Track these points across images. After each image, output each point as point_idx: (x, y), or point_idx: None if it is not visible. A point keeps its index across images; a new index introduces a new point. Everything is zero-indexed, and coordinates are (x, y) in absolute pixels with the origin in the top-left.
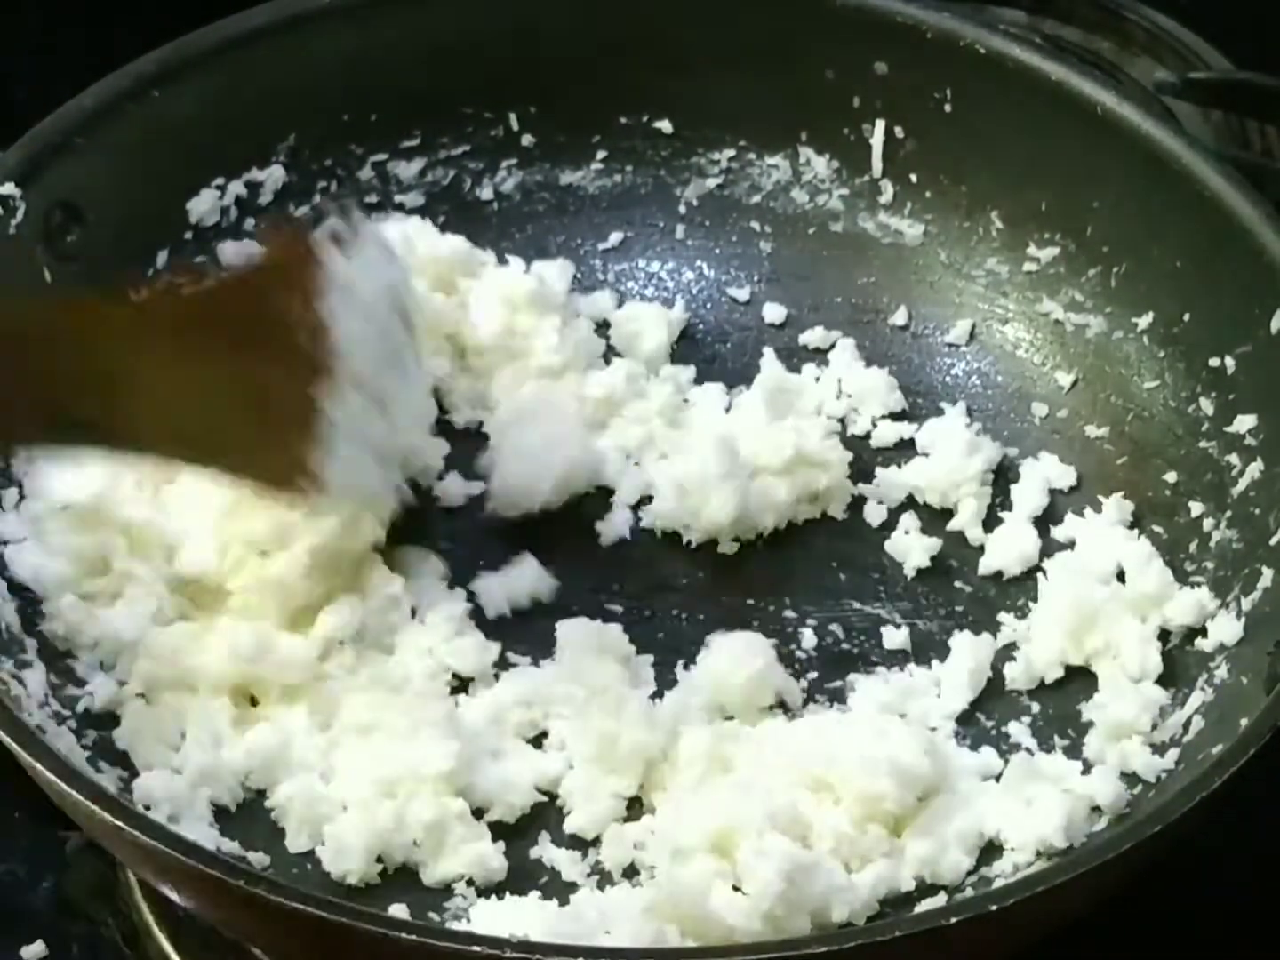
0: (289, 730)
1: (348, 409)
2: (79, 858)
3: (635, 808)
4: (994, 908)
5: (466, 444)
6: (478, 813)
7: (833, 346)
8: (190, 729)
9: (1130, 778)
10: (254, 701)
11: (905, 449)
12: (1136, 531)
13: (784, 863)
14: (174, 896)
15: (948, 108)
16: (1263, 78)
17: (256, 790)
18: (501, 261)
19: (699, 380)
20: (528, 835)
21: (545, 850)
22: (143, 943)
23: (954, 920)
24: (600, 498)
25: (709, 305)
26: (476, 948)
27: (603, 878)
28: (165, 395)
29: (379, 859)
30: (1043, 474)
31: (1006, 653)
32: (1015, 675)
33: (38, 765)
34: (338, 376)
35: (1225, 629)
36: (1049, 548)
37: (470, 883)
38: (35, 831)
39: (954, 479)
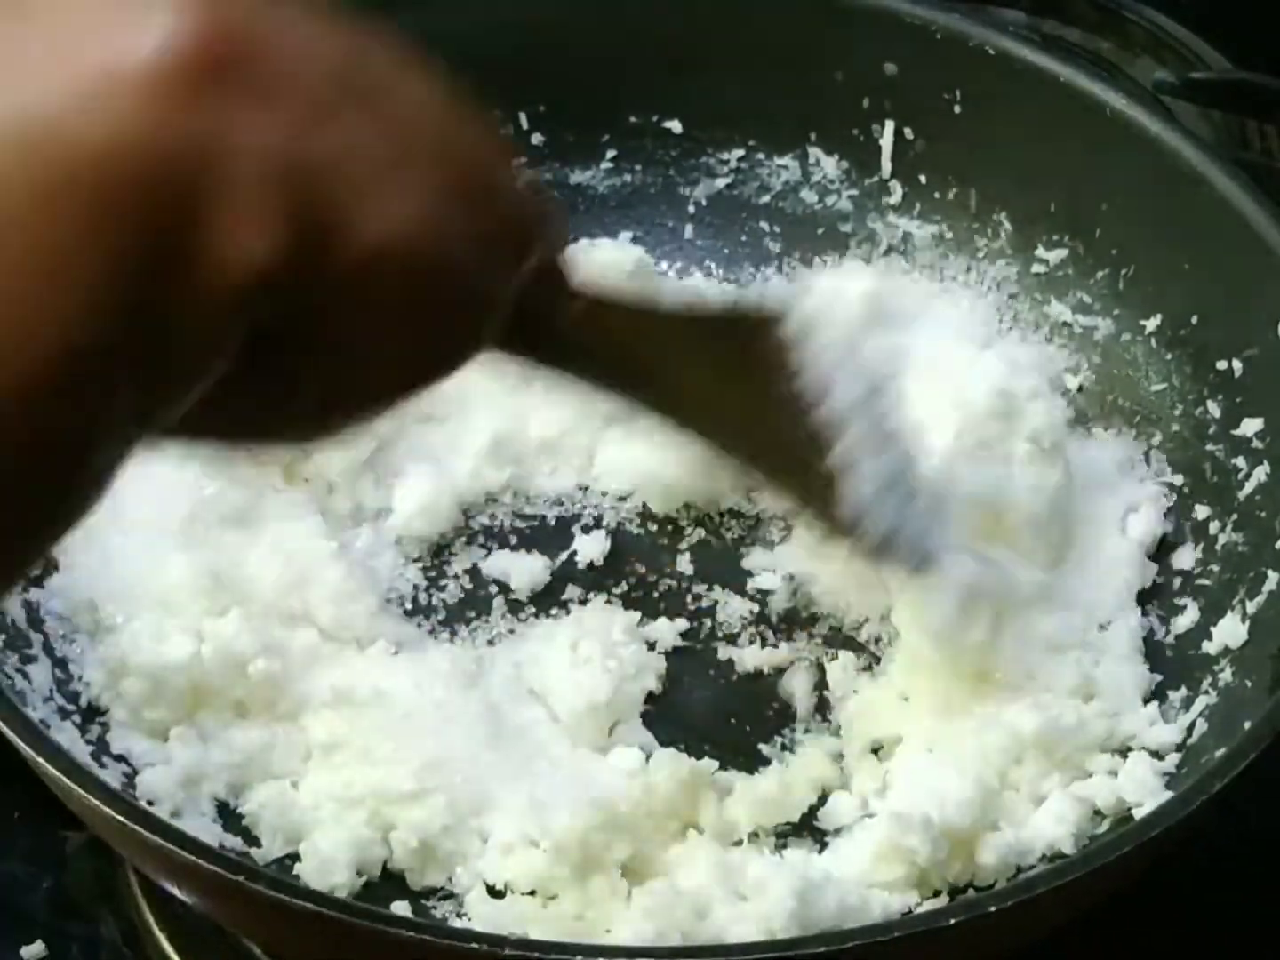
0: (273, 734)
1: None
2: (79, 858)
3: None
4: (993, 909)
5: None
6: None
7: None
8: (175, 729)
9: (1131, 781)
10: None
11: None
12: None
13: (796, 880)
14: (176, 892)
15: (957, 109)
16: (1263, 78)
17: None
18: None
19: None
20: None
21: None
22: (143, 943)
23: (953, 921)
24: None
25: None
26: (475, 945)
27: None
28: (684, 384)
29: (359, 872)
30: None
31: None
32: None
33: (41, 760)
34: (841, 445)
35: (1230, 632)
36: None
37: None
38: (35, 831)
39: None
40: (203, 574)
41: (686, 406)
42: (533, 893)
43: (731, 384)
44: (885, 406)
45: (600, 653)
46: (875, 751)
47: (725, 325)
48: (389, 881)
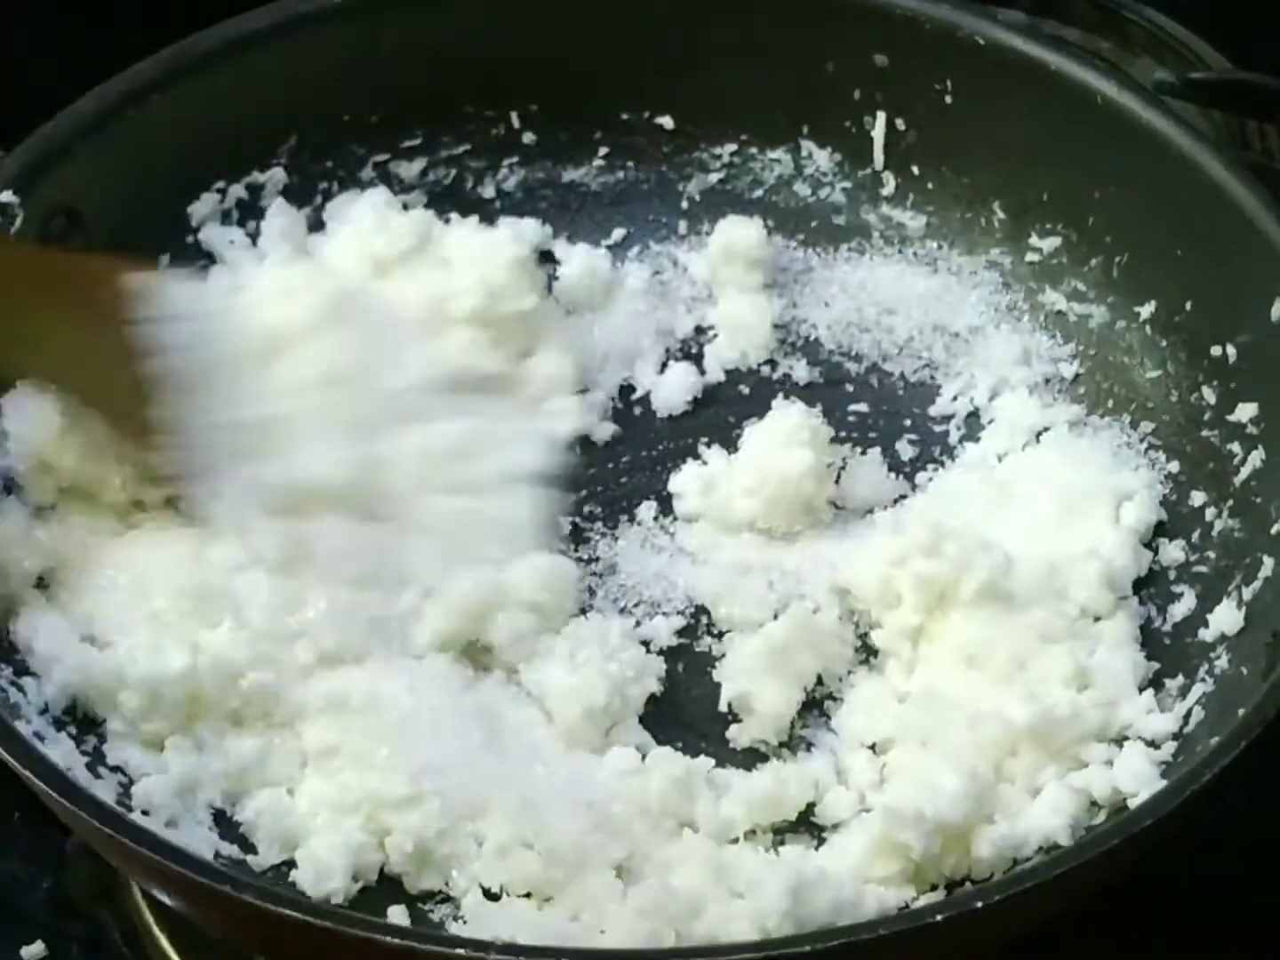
0: (269, 742)
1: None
2: (79, 858)
3: None
4: (980, 905)
5: None
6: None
7: None
8: (171, 739)
9: (1127, 771)
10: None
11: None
12: None
13: (790, 877)
14: (168, 902)
15: (948, 99)
16: (1263, 78)
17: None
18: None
19: None
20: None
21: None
22: (143, 943)
23: (940, 917)
24: None
25: None
26: (461, 950)
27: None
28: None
29: (355, 877)
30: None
31: None
32: None
33: (30, 775)
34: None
35: (1226, 619)
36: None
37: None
38: (35, 831)
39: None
40: (194, 593)
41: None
42: (528, 895)
43: (72, 326)
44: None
45: (599, 657)
46: (871, 747)
47: (68, 268)
48: (386, 886)
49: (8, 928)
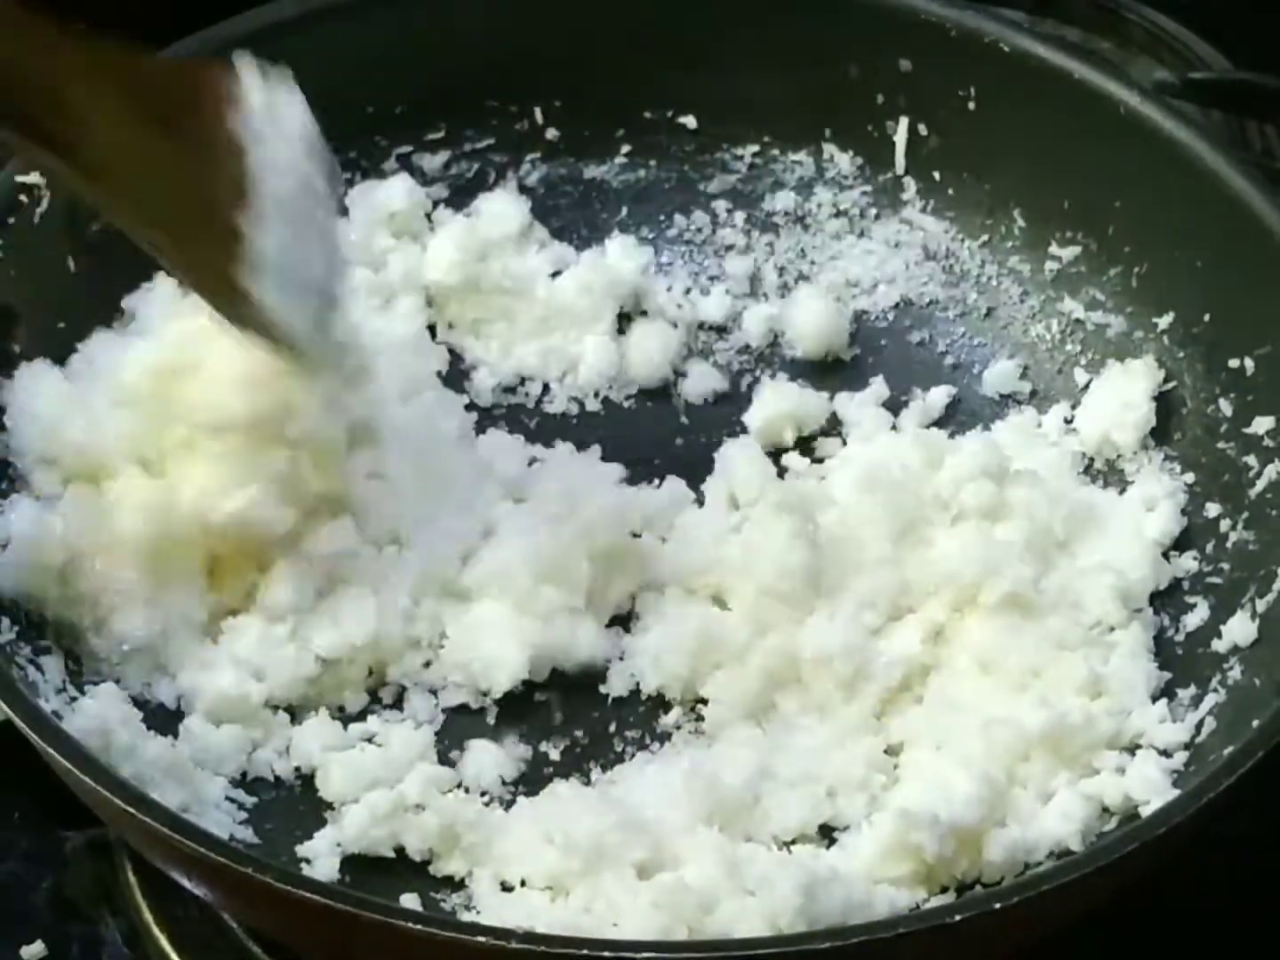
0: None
1: (274, 242)
2: (79, 858)
3: None
4: (997, 906)
5: None
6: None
7: None
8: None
9: (1139, 779)
10: None
11: None
12: None
13: (802, 876)
14: (185, 883)
15: (971, 105)
16: (1263, 78)
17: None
18: None
19: None
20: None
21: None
22: (143, 943)
23: (957, 918)
24: None
25: None
26: (481, 938)
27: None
28: (114, 145)
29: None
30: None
31: None
32: None
33: (51, 751)
34: (257, 205)
35: (1239, 630)
36: None
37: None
38: (35, 831)
39: None
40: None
41: (104, 158)
42: (547, 888)
43: (160, 130)
44: (320, 201)
45: None
46: (885, 749)
47: (171, 70)
48: (399, 873)
49: (8, 928)
